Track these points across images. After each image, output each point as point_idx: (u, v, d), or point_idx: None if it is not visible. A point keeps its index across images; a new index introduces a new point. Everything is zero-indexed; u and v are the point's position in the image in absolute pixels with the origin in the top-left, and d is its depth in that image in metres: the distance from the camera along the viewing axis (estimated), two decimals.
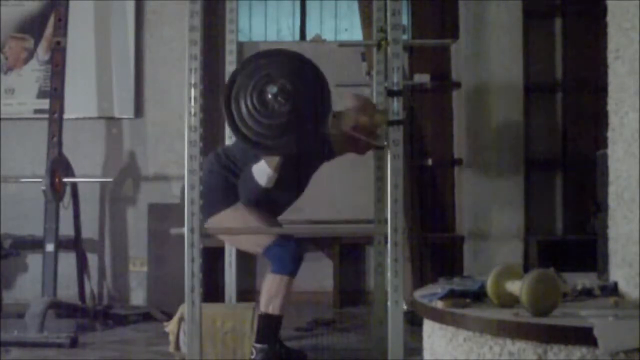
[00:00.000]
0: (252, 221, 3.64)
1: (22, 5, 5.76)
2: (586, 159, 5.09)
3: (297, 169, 3.66)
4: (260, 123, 3.29)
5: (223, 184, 3.66)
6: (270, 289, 3.63)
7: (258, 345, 3.61)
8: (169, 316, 4.18)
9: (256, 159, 3.55)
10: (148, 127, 5.75)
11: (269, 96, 3.28)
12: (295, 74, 3.34)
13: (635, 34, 2.53)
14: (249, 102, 3.29)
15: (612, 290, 2.60)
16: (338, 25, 6.06)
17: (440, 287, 2.72)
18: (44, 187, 4.79)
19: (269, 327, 3.63)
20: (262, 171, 3.52)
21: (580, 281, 2.66)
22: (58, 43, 5.11)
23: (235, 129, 3.32)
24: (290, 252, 3.63)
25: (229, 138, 4.23)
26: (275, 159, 3.48)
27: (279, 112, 3.28)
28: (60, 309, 4.77)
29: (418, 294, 2.74)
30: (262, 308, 3.63)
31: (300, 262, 3.67)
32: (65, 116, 5.09)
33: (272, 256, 3.66)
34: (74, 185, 5.10)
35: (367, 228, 4.70)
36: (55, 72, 5.08)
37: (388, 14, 3.27)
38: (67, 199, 5.02)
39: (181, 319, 3.61)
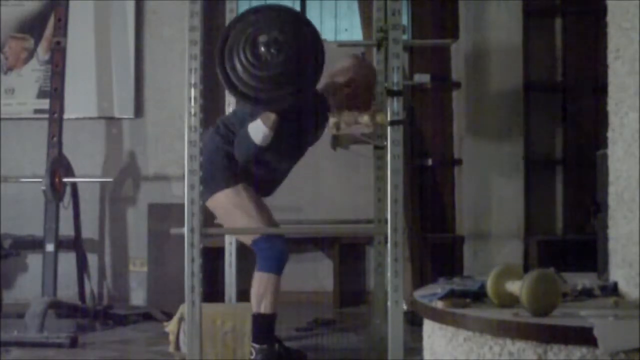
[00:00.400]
0: (250, 208, 3.64)
1: (22, 5, 5.76)
2: (586, 159, 5.09)
3: (294, 132, 3.61)
4: (255, 76, 3.24)
5: (226, 163, 3.64)
6: (259, 288, 3.63)
7: (257, 346, 3.61)
8: (169, 316, 4.18)
9: (252, 119, 3.52)
10: (148, 127, 5.75)
11: (262, 48, 3.24)
12: (288, 25, 3.30)
13: (635, 34, 2.53)
14: (242, 57, 3.23)
15: (612, 290, 2.60)
16: (338, 25, 6.06)
17: (440, 287, 2.72)
18: (44, 187, 4.79)
19: (263, 326, 3.63)
20: (258, 129, 3.48)
21: (580, 281, 2.66)
22: (58, 43, 5.10)
23: (231, 85, 3.27)
24: (276, 250, 3.63)
25: None
26: (272, 117, 3.44)
27: (273, 63, 3.23)
28: (60, 309, 4.76)
29: (418, 294, 2.75)
30: (254, 308, 3.63)
31: (285, 260, 3.67)
32: (65, 116, 5.09)
33: (258, 251, 3.67)
34: (74, 185, 5.10)
35: (367, 228, 4.70)
36: (55, 72, 5.07)
37: (388, 14, 3.27)
38: (67, 199, 5.02)
39: (181, 319, 3.61)
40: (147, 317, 5.04)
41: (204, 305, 3.19)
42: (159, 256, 5.38)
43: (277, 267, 3.64)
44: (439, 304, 2.48)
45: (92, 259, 5.48)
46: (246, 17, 3.35)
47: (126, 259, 5.70)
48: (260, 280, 3.64)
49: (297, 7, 5.90)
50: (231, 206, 3.65)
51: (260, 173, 3.71)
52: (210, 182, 3.51)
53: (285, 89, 3.28)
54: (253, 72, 3.24)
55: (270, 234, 3.65)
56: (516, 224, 5.39)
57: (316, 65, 3.33)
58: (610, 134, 2.66)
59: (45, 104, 5.26)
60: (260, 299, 3.62)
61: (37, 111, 5.65)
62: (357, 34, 5.75)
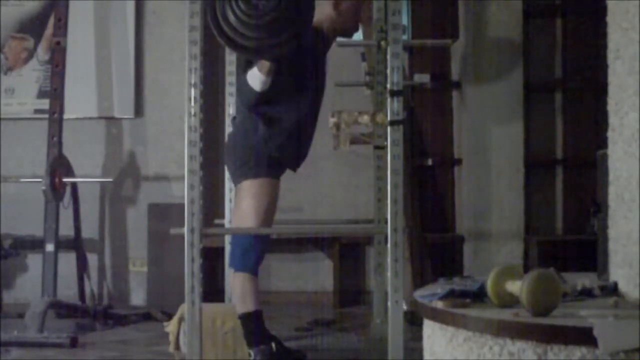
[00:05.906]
0: (263, 202, 3.65)
1: (22, 5, 5.76)
2: (586, 159, 5.09)
3: (295, 72, 3.64)
4: (248, 25, 3.19)
5: (258, 148, 3.69)
6: (237, 289, 3.64)
7: (254, 348, 3.59)
8: (169, 316, 4.18)
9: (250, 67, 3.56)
10: (148, 127, 5.75)
11: None
12: None
13: (635, 34, 2.53)
14: (235, 9, 3.18)
15: (612, 290, 2.59)
16: None
17: (440, 287, 2.72)
18: (44, 187, 4.79)
19: (252, 324, 3.61)
20: (255, 76, 3.51)
21: (580, 281, 2.66)
22: (58, 43, 5.10)
23: (224, 36, 3.21)
24: (240, 246, 3.65)
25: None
26: (266, 64, 3.45)
27: (265, 10, 3.17)
28: (60, 309, 4.77)
29: (418, 294, 2.74)
30: (239, 310, 3.62)
31: (253, 259, 3.65)
32: (65, 116, 5.09)
33: (232, 244, 3.77)
34: (74, 185, 5.10)
35: (367, 228, 4.70)
36: (55, 72, 5.08)
37: (388, 14, 3.27)
38: (67, 199, 5.02)
39: (181, 319, 3.61)
40: (147, 317, 5.04)
41: (204, 305, 3.18)
42: (159, 256, 5.38)
43: (243, 265, 3.64)
44: (439, 304, 2.48)
45: (92, 259, 5.48)
46: None
47: (126, 259, 5.70)
48: (235, 282, 3.65)
49: None
50: (249, 197, 3.67)
51: (280, 141, 3.71)
52: (242, 167, 3.65)
53: (279, 36, 3.23)
54: (248, 21, 3.19)
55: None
56: (516, 224, 5.39)
57: (308, 9, 3.30)
58: (610, 134, 2.66)
59: (45, 104, 5.26)
60: (242, 299, 3.60)
61: (37, 111, 5.65)
62: (357, 34, 5.74)
